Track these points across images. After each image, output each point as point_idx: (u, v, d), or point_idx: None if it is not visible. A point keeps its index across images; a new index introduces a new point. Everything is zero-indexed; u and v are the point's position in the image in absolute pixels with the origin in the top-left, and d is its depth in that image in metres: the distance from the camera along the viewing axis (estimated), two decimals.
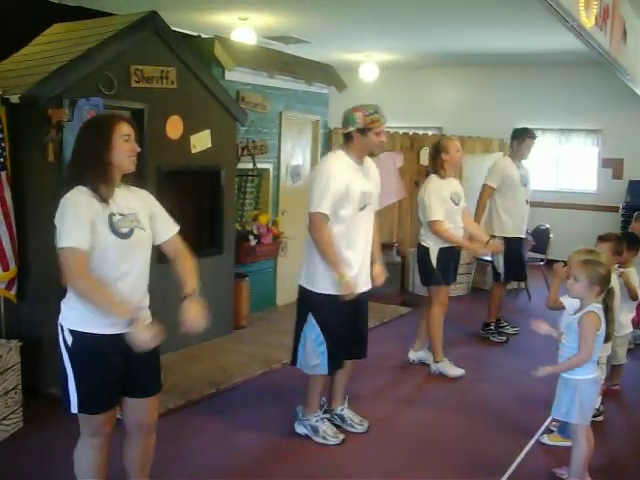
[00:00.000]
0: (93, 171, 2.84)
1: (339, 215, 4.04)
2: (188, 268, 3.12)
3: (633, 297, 4.86)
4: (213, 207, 6.20)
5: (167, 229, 3.13)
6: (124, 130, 2.91)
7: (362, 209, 4.12)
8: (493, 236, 6.56)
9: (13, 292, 4.63)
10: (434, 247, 5.41)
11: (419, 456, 4.20)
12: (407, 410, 4.96)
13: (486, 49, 9.96)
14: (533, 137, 6.54)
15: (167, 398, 4.38)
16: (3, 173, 4.46)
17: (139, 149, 2.98)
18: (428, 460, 4.14)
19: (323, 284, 4.09)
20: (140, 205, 3.02)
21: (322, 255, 4.03)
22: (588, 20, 5.37)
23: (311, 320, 4.15)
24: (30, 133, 4.60)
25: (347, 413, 4.51)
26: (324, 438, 4.29)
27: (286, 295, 7.51)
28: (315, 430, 4.33)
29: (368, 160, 4.25)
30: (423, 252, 5.48)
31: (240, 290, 6.57)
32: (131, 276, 2.93)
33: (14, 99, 4.49)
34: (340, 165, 4.06)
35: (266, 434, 4.40)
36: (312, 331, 4.15)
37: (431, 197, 5.36)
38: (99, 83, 4.86)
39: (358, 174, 4.11)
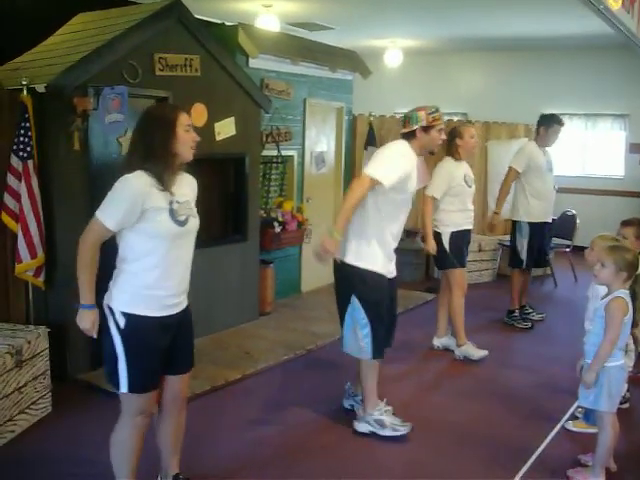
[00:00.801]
0: (157, 160, 2.88)
1: (400, 205, 4.13)
2: None
3: None
4: (238, 194, 6.23)
5: None
6: (186, 120, 2.98)
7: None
8: (516, 221, 6.55)
9: (41, 279, 4.69)
10: (446, 231, 5.56)
11: (443, 441, 4.20)
12: (431, 396, 4.97)
13: (511, 33, 9.84)
14: (561, 124, 6.47)
15: (193, 383, 4.41)
16: (30, 162, 4.50)
17: (199, 138, 3.03)
18: (452, 445, 4.14)
19: (372, 260, 4.10)
20: (190, 192, 3.10)
21: (345, 205, 3.95)
22: (615, 2, 5.30)
23: (354, 302, 4.13)
24: (56, 122, 4.64)
25: None
26: (394, 429, 4.18)
27: (311, 282, 7.54)
28: (381, 424, 4.20)
29: None
30: (436, 237, 5.58)
31: (265, 277, 6.61)
32: (184, 262, 3.03)
33: (40, 88, 4.53)
34: (409, 151, 4.16)
35: (290, 420, 4.43)
36: (358, 314, 4.12)
37: (439, 175, 5.56)
38: (123, 72, 4.90)
39: (416, 166, 4.21)
